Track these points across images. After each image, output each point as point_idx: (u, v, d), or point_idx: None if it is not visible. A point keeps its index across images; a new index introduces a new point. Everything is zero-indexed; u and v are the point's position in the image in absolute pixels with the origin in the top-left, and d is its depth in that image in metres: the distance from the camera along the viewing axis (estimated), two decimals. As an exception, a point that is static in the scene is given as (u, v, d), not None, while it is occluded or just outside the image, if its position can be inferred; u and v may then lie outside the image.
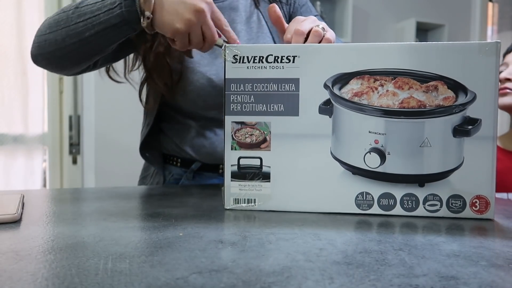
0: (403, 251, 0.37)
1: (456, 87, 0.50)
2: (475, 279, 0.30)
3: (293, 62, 0.52)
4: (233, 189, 0.55)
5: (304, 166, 0.53)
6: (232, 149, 0.54)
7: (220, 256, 0.35)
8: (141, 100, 0.85)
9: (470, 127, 0.50)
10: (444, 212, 0.51)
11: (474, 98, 0.50)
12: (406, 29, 2.50)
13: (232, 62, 0.53)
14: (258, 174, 0.54)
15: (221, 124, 0.81)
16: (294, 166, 0.53)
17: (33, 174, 1.94)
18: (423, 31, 2.63)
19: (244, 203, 0.54)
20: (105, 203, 0.58)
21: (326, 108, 0.52)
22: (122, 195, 0.65)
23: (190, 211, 0.54)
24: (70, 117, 1.98)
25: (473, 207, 0.51)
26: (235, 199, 0.54)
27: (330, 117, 0.53)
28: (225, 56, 0.54)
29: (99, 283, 0.28)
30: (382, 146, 0.51)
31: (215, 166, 0.84)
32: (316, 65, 0.52)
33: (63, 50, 0.65)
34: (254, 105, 0.53)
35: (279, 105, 0.53)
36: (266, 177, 0.54)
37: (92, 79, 1.93)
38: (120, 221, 0.47)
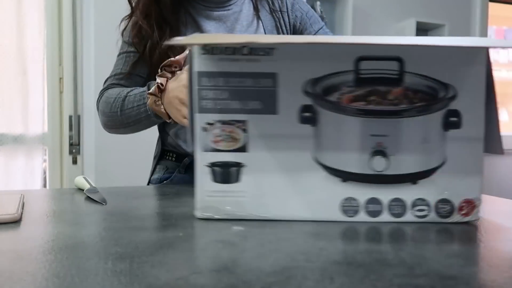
0: (403, 251, 0.37)
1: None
2: (475, 279, 0.30)
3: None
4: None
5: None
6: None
7: (220, 256, 0.35)
8: None
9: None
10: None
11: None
12: (406, 29, 2.50)
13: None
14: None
15: None
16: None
17: (33, 174, 1.93)
18: (423, 31, 2.63)
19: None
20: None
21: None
22: (122, 195, 0.65)
23: (190, 211, 0.54)
24: (70, 117, 1.98)
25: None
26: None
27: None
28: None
29: (99, 283, 0.28)
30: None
31: None
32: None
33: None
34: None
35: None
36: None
37: (92, 79, 1.93)
38: (120, 221, 0.47)
